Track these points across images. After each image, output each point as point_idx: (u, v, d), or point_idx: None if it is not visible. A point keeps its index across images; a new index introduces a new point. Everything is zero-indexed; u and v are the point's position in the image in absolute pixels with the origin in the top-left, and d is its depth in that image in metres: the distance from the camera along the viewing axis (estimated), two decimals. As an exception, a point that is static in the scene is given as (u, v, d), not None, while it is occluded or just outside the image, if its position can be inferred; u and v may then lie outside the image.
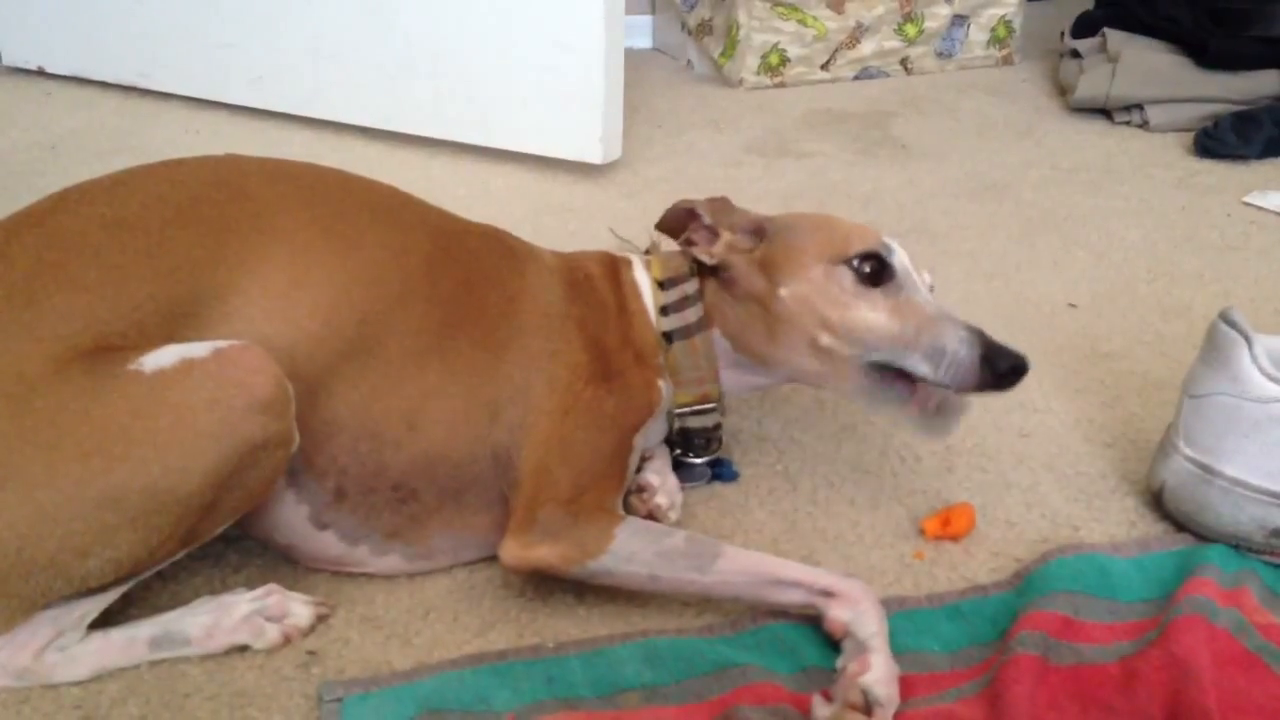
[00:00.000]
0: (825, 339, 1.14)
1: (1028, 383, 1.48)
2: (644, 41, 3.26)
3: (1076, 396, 1.51)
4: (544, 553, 1.05)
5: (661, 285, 1.21)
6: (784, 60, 2.87)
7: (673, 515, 1.20)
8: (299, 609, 1.06)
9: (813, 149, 2.45)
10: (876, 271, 1.13)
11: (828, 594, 1.04)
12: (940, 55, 3.04)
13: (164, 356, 0.94)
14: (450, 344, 1.10)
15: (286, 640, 1.04)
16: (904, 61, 3.01)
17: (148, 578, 1.00)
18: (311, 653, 1.04)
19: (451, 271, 1.14)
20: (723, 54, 2.89)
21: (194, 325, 1.00)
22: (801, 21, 2.85)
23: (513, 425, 1.11)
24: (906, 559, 1.19)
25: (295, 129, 2.40)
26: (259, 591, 1.06)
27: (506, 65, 2.19)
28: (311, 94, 2.39)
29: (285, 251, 1.05)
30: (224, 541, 1.15)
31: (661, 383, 1.20)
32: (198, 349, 0.96)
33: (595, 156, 2.19)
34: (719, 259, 1.19)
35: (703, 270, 1.21)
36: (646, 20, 3.26)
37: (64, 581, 0.93)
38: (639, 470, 1.23)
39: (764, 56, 2.85)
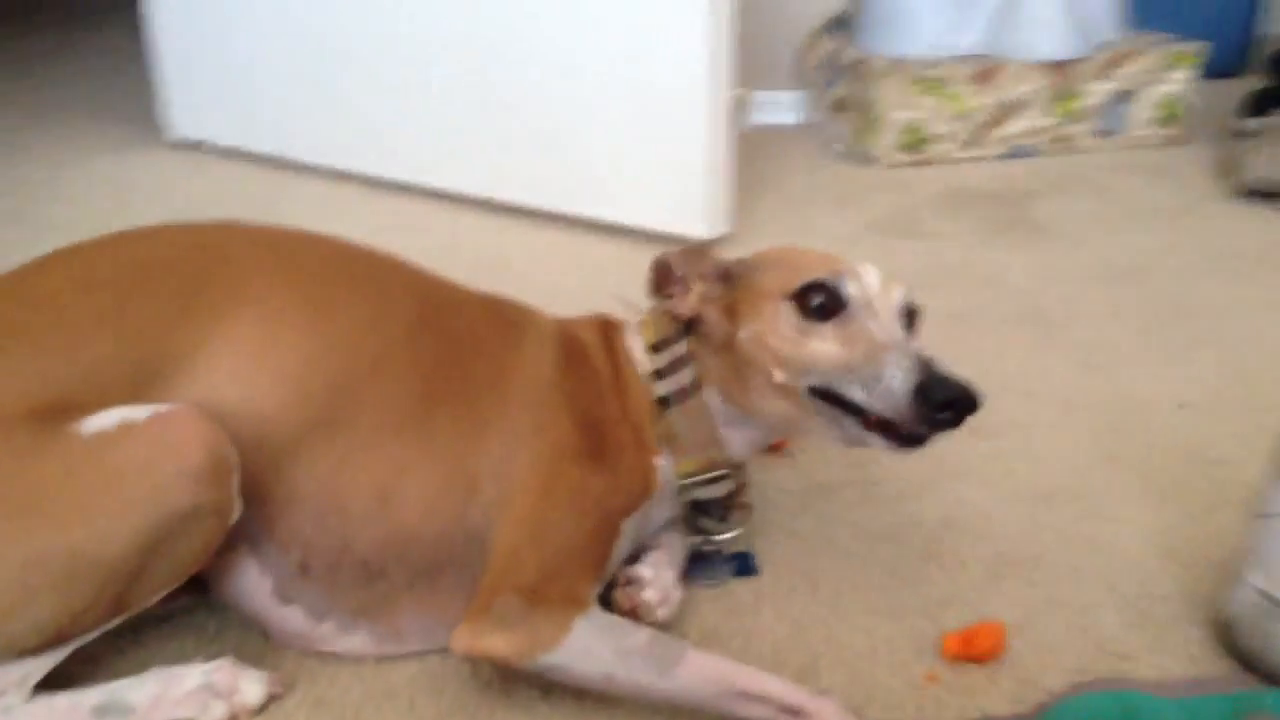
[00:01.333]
0: (779, 375, 1.07)
1: (1105, 488, 1.36)
2: (790, 118, 3.20)
3: (1163, 506, 1.35)
4: (495, 642, 0.98)
5: (654, 349, 1.15)
6: (924, 138, 2.76)
7: (661, 613, 1.11)
8: (250, 687, 1.02)
9: (939, 229, 2.33)
10: (824, 304, 1.05)
11: (794, 712, 0.94)
12: (1100, 133, 2.87)
13: (105, 419, 0.93)
14: (429, 416, 1.06)
15: (233, 718, 1.00)
16: (1059, 139, 2.85)
17: (115, 638, 0.99)
18: (253, 734, 1.00)
19: (436, 342, 1.10)
20: (861, 130, 2.80)
21: (159, 387, 0.99)
22: (944, 98, 2.74)
23: (490, 503, 1.05)
24: (917, 680, 1.07)
25: (417, 199, 2.44)
26: (211, 665, 1.02)
27: (610, 137, 2.18)
28: (433, 166, 2.43)
29: (256, 315, 1.03)
30: (207, 609, 1.14)
31: (660, 461, 1.13)
32: (137, 412, 0.94)
33: (699, 230, 2.14)
34: (693, 312, 1.13)
35: (690, 327, 1.15)
36: (793, 96, 3.20)
37: None
38: (637, 560, 1.15)
39: (903, 133, 2.75)
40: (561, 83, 2.20)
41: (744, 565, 1.23)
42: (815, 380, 1.04)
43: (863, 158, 2.81)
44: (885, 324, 1.04)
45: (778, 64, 3.18)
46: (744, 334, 1.09)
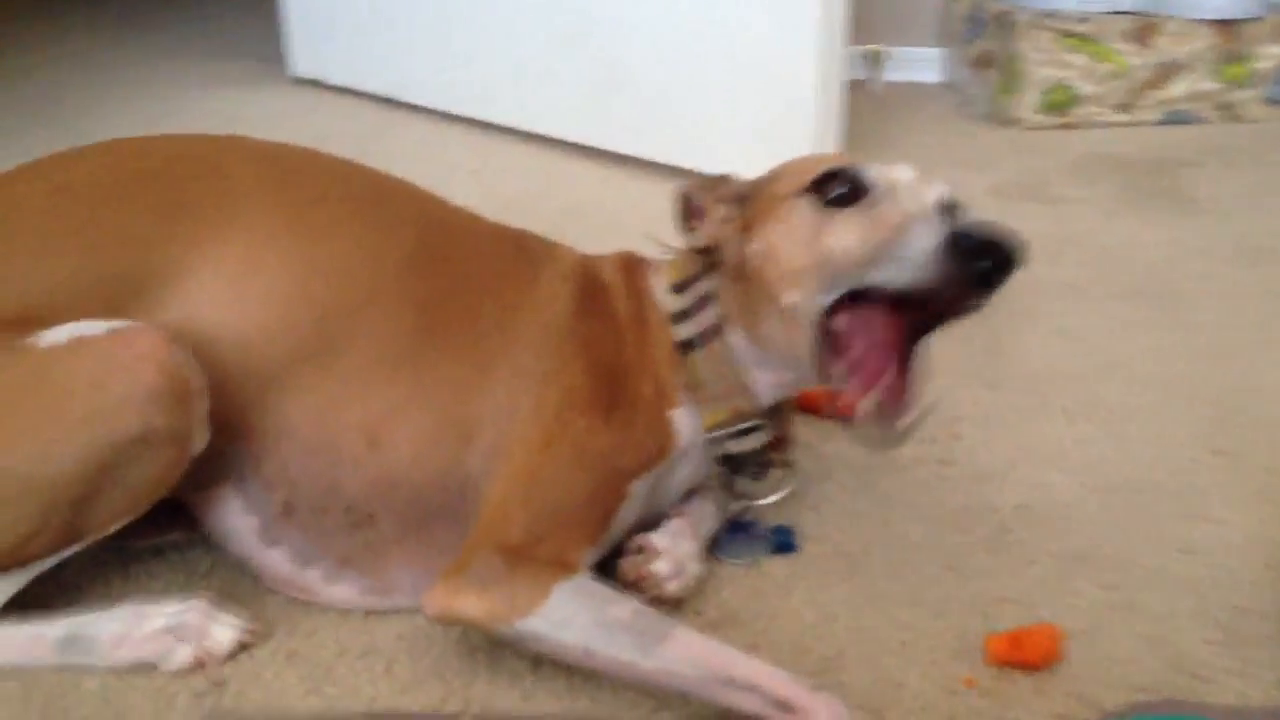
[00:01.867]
0: (788, 296, 0.95)
1: (1209, 486, 1.21)
2: (932, 76, 3.02)
3: (1275, 511, 1.18)
4: (468, 604, 0.90)
5: (677, 289, 1.05)
6: (1072, 98, 2.56)
7: (671, 587, 1.01)
8: (220, 632, 0.96)
9: (1071, 195, 2.15)
10: (845, 192, 0.94)
11: (786, 708, 0.84)
12: (1271, 101, 2.62)
13: (60, 333, 0.88)
14: (427, 354, 0.98)
15: (200, 664, 0.95)
16: (1225, 106, 2.61)
17: (102, 569, 0.97)
18: (218, 683, 0.94)
19: (441, 274, 1.02)
20: (1001, 89, 2.61)
21: (141, 305, 0.93)
22: (1096, 55, 2.53)
23: (487, 451, 0.97)
24: (953, 685, 0.95)
25: (518, 142, 2.38)
26: (183, 605, 0.97)
27: (716, 89, 2.07)
28: (538, 111, 2.37)
29: (245, 234, 0.97)
30: (203, 547, 1.09)
31: (681, 415, 1.02)
32: (94, 328, 0.88)
33: (804, 186, 2.01)
34: (711, 239, 1.03)
35: (715, 264, 1.04)
36: (935, 53, 3.01)
37: None
38: (656, 528, 1.05)
39: (1047, 93, 2.55)
40: (668, 33, 2.09)
41: (782, 542, 1.12)
42: (838, 285, 0.92)
43: (1001, 118, 2.62)
44: (916, 202, 0.91)
45: (920, 19, 3.00)
46: (755, 247, 0.98)
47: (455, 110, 2.52)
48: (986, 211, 2.02)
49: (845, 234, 0.92)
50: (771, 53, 1.98)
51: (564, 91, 2.29)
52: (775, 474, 1.11)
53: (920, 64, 3.02)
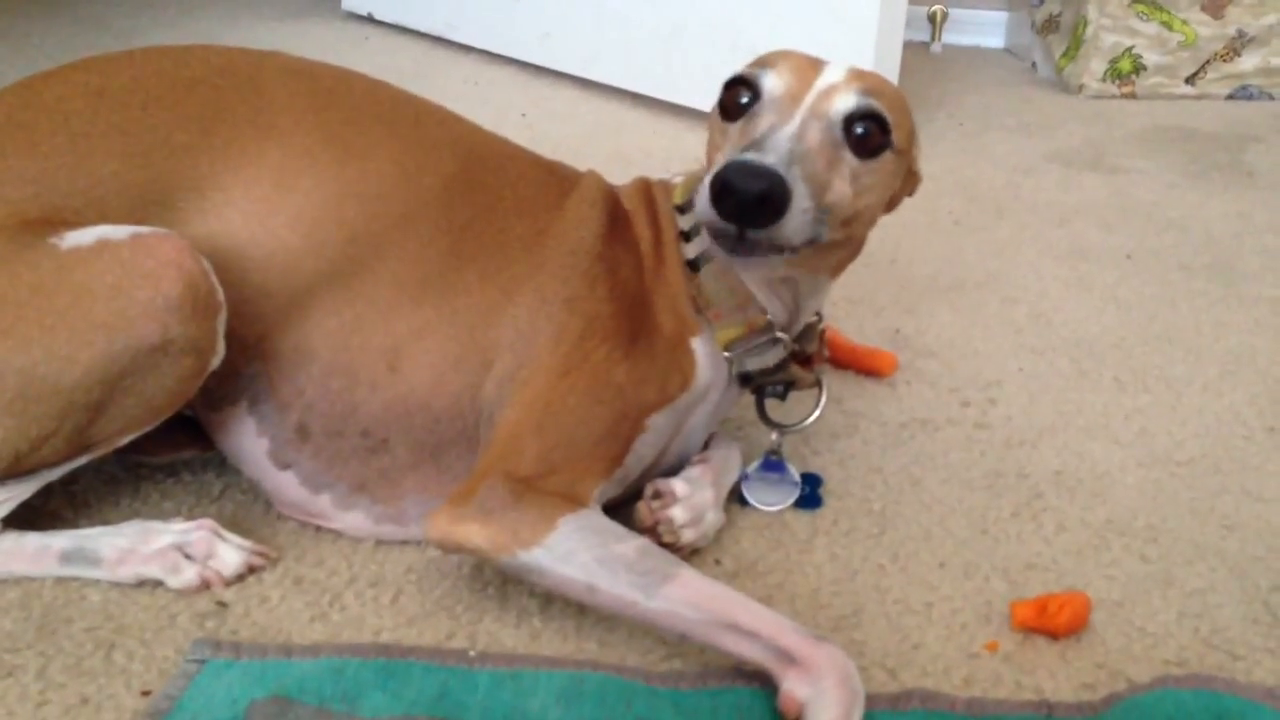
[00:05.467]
0: None
1: (1259, 463, 1.17)
2: (995, 40, 2.95)
3: (1327, 490, 1.14)
4: (471, 531, 0.87)
5: (681, 210, 1.01)
6: (1137, 67, 2.48)
7: (688, 535, 0.98)
8: (227, 554, 0.94)
9: (1131, 165, 2.08)
10: (743, 103, 0.90)
11: (787, 658, 0.80)
12: (1347, 79, 2.53)
13: (84, 235, 0.86)
14: (455, 277, 0.96)
15: (205, 584, 0.93)
16: (1297, 83, 2.53)
17: (113, 486, 0.95)
18: (222, 604, 0.92)
19: (474, 197, 0.99)
20: (1064, 54, 2.54)
21: (164, 215, 0.91)
22: (1166, 24, 2.45)
23: (504, 377, 0.94)
24: (975, 648, 0.92)
25: (568, 87, 2.35)
26: (189, 524, 0.95)
27: (775, 39, 2.01)
28: (590, 56, 2.33)
29: (278, 152, 0.94)
30: (216, 469, 1.07)
31: (700, 342, 0.99)
32: (118, 232, 0.86)
33: (854, 143, 1.97)
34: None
35: None
36: (1000, 17, 2.94)
37: None
38: (676, 472, 1.02)
39: (1113, 61, 2.47)
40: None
41: (810, 494, 1.08)
42: None
43: (1064, 85, 2.55)
44: (783, 124, 0.86)
45: (986, -20, 2.94)
46: (707, 152, 0.96)
47: (506, 52, 2.49)
48: (1046, 178, 1.98)
49: (728, 153, 0.87)
50: (834, 9, 1.93)
51: (628, 37, 2.25)
52: (805, 394, 1.08)
53: (983, 27, 2.96)
